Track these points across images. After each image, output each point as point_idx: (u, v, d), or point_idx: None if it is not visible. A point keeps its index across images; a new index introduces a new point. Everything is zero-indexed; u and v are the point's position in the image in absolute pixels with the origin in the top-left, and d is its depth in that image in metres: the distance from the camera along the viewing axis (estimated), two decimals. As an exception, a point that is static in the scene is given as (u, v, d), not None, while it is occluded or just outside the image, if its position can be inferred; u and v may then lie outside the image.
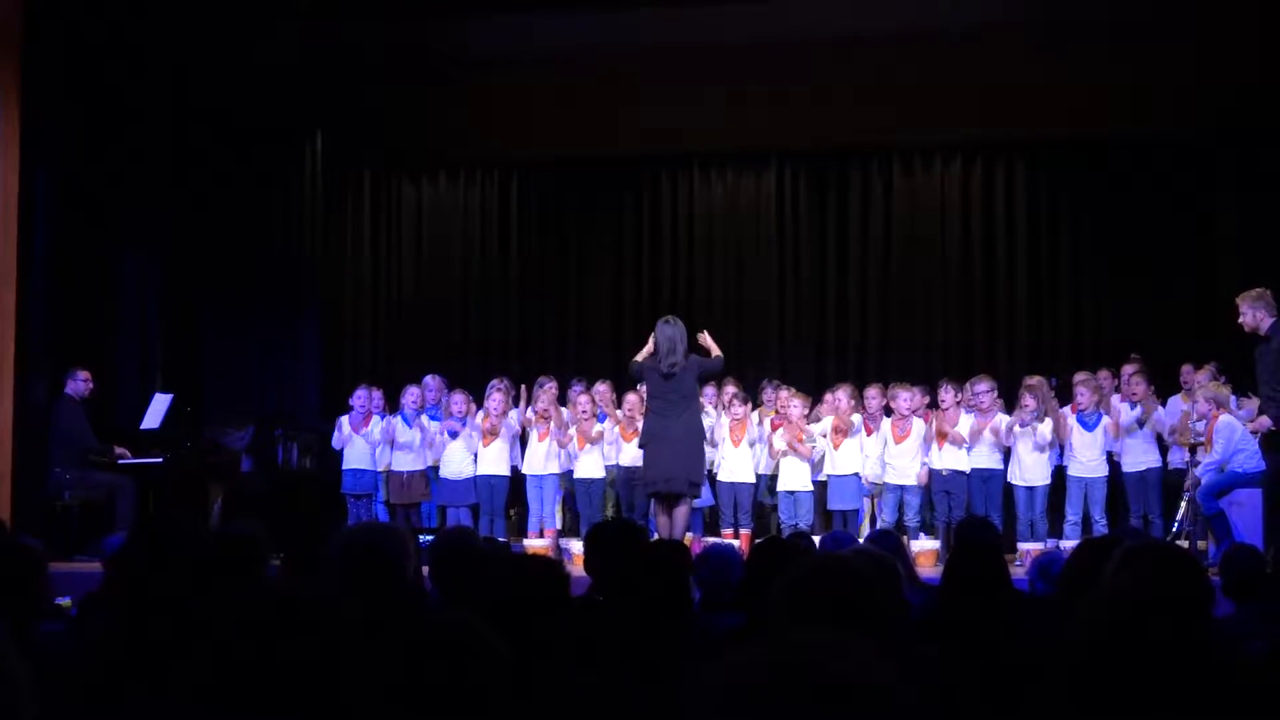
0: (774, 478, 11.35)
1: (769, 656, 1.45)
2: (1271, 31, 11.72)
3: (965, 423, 11.00)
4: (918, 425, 11.09)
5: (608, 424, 11.56)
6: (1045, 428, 10.80)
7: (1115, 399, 11.14)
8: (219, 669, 2.48)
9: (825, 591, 2.85)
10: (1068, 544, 10.11)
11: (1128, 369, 11.21)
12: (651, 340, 10.23)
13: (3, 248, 10.60)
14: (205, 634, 2.51)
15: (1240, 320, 9.18)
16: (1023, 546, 10.60)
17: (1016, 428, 10.83)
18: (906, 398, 11.10)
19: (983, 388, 11.03)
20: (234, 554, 4.15)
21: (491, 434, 11.46)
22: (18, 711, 1.65)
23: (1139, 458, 10.87)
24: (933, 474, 11.02)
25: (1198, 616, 2.44)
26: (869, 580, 2.95)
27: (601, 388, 11.96)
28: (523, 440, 11.74)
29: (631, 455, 10.97)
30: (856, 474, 11.10)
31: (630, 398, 11.26)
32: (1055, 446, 10.96)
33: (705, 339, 10.45)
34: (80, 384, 11.02)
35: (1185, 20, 11.96)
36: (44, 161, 10.98)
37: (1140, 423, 10.76)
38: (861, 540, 7.67)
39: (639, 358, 10.32)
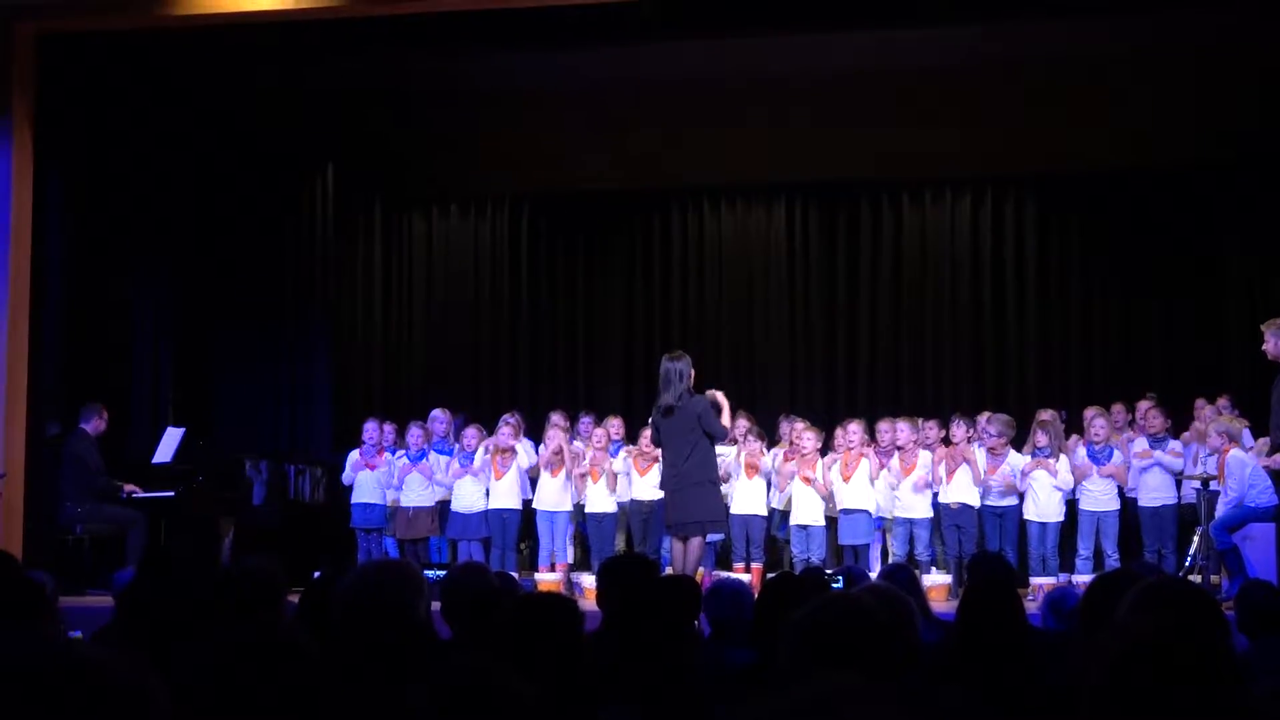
0: (786, 512, 11.32)
1: (791, 705, 1.44)
2: (1273, 68, 11.75)
3: (977, 456, 11.00)
4: (924, 457, 11.08)
5: (620, 457, 11.56)
6: (1062, 466, 10.75)
7: (1132, 434, 11.12)
8: (232, 708, 2.47)
9: (838, 631, 2.84)
10: (1080, 578, 10.08)
11: (1143, 405, 11.18)
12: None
13: (16, 282, 10.64)
14: (218, 670, 2.51)
15: (1264, 347, 9.17)
16: (1035, 581, 10.55)
17: (1030, 471, 10.81)
18: (910, 430, 11.12)
19: (992, 430, 10.99)
20: (250, 590, 4.14)
21: (504, 452, 11.45)
22: None
23: (1154, 493, 10.84)
24: (942, 508, 11.00)
25: (1220, 653, 2.42)
26: (881, 619, 2.94)
27: (614, 422, 11.96)
28: (533, 474, 11.73)
29: (644, 489, 10.95)
30: (867, 510, 11.08)
31: (646, 432, 11.23)
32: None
33: (717, 396, 9.94)
34: (99, 421, 11.02)
35: (1192, 53, 12.00)
36: (57, 195, 11.03)
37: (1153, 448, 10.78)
38: (874, 574, 7.64)
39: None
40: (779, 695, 1.45)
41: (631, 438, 11.87)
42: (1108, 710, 2.22)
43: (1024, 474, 10.83)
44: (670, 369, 9.64)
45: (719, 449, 10.51)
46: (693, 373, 9.73)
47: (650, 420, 10.04)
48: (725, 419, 9.91)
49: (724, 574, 10.34)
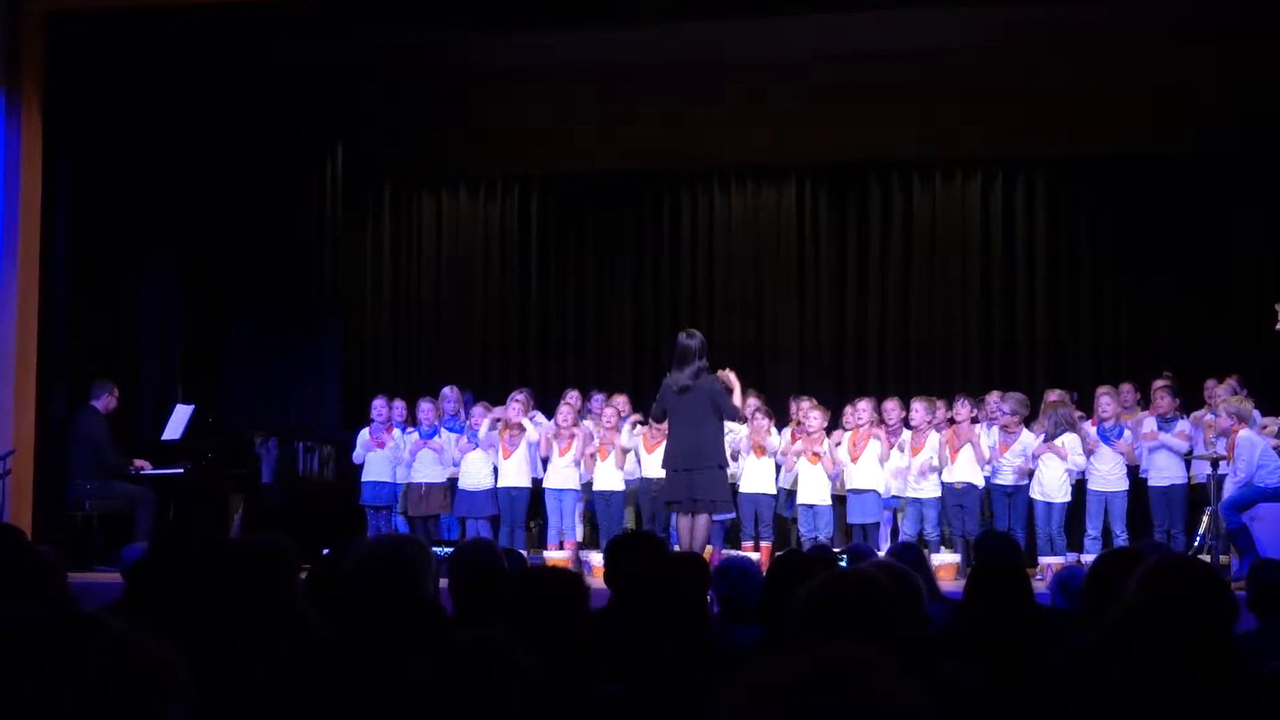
0: (793, 491, 11.32)
1: (792, 671, 1.44)
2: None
3: (983, 437, 11.00)
4: (933, 439, 11.06)
5: (625, 431, 11.54)
6: (1073, 446, 10.68)
7: (1143, 414, 11.09)
8: (238, 682, 2.47)
9: (845, 605, 2.83)
10: (1088, 558, 10.06)
11: (1158, 383, 11.16)
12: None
13: (25, 260, 10.65)
14: (227, 646, 2.51)
15: (1276, 327, 9.19)
16: (1043, 560, 10.54)
17: (1040, 454, 10.78)
18: (924, 410, 11.10)
19: (1007, 408, 10.97)
20: (262, 565, 4.14)
21: (513, 429, 11.43)
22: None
23: (1164, 473, 10.82)
24: (947, 488, 10.99)
25: (1221, 631, 2.41)
26: (889, 594, 2.94)
27: (621, 399, 11.98)
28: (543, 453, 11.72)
29: (653, 467, 10.94)
30: (875, 489, 11.08)
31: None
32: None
33: (729, 377, 9.95)
34: (110, 399, 11.04)
35: (1207, 36, 11.94)
36: (66, 173, 11.03)
37: (1163, 427, 10.74)
38: (882, 553, 7.65)
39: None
40: (782, 662, 1.45)
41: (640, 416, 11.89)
42: (1101, 681, 2.22)
43: (1034, 456, 10.81)
44: (688, 346, 9.71)
45: (728, 426, 10.54)
46: (728, 376, 9.81)
47: (659, 394, 10.03)
48: (737, 398, 10.00)
49: (733, 552, 10.37)
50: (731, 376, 9.99)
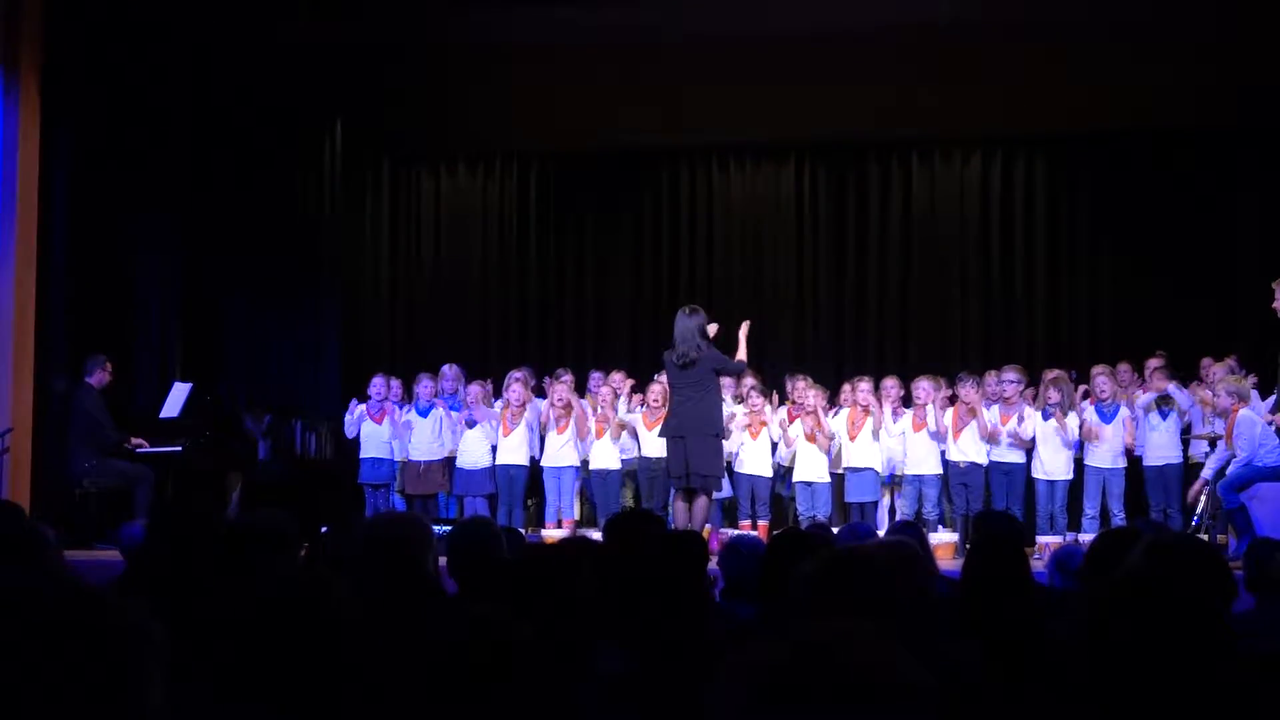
0: (791, 469, 11.33)
1: (791, 649, 1.44)
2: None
3: (983, 414, 11.01)
4: (933, 414, 11.05)
5: (623, 409, 11.56)
6: (1071, 421, 10.75)
7: (1139, 393, 11.11)
8: (240, 661, 2.48)
9: (845, 583, 2.84)
10: (1086, 537, 10.08)
11: (1152, 363, 11.17)
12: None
13: (23, 237, 10.63)
14: (227, 625, 2.51)
15: (1274, 305, 9.22)
16: (1041, 540, 10.56)
17: (1036, 424, 10.80)
18: (926, 387, 11.11)
19: (1010, 377, 11.01)
20: (263, 543, 4.15)
21: (514, 408, 11.44)
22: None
23: (1160, 452, 10.85)
24: (950, 466, 11.00)
25: (1215, 609, 2.42)
26: (889, 572, 2.94)
27: (617, 376, 11.98)
28: (542, 430, 11.72)
29: (652, 446, 10.95)
30: (873, 468, 11.09)
31: (655, 388, 11.22)
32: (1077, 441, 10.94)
33: (742, 334, 10.21)
34: (103, 373, 11.03)
35: (1207, 16, 11.91)
36: (64, 151, 11.00)
37: (1160, 406, 10.76)
38: (881, 532, 7.65)
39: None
40: (782, 640, 1.45)
41: (640, 393, 11.89)
42: (1099, 659, 2.23)
43: (1044, 416, 10.82)
44: (687, 324, 9.71)
45: (728, 409, 10.56)
46: (709, 325, 9.81)
47: (664, 363, 10.08)
48: (742, 352, 10.08)
49: (733, 531, 10.38)
50: (742, 331, 10.21)
